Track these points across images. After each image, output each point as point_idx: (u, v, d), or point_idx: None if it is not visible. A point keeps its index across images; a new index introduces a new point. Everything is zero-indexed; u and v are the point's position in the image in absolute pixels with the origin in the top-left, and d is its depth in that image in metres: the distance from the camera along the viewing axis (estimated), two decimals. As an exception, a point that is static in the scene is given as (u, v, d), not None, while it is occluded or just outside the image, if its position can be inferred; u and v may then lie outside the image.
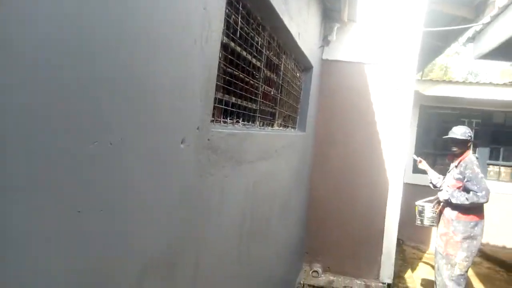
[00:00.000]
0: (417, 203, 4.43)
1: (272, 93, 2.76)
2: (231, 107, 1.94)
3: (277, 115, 2.96)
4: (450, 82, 6.59)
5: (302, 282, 4.17)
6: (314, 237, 4.52)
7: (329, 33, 4.20)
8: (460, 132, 4.05)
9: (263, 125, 2.60)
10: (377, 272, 4.35)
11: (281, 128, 3.12)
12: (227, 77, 1.84)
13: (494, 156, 7.10)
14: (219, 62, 1.64)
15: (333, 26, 4.15)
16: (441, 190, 4.23)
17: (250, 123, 2.31)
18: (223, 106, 1.83)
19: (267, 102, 2.66)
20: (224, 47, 1.76)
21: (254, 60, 2.24)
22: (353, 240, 4.42)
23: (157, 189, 1.19)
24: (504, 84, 6.36)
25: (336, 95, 4.50)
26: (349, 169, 4.47)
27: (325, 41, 4.32)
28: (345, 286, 4.14)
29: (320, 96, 4.47)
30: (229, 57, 1.84)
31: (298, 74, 3.64)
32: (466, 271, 4.03)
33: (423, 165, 4.55)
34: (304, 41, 3.14)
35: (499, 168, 7.09)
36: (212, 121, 1.65)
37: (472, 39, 4.92)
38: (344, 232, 4.46)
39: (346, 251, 4.43)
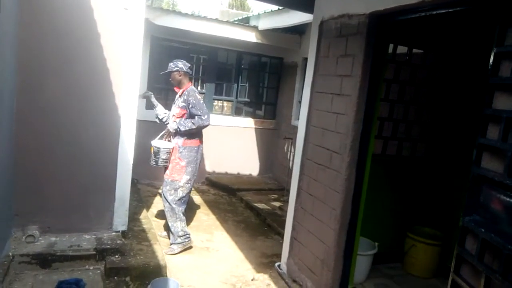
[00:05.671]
0: (153, 143, 4.18)
1: None
2: None
3: None
4: (180, 13, 6.40)
5: (11, 253, 3.19)
6: (28, 192, 3.51)
7: None
8: (171, 64, 4.31)
9: None
10: (110, 221, 3.84)
11: None
12: None
13: (218, 91, 7.65)
14: None
15: None
16: (167, 123, 4.42)
17: None
18: None
19: None
20: None
21: None
22: (80, 189, 3.68)
23: None
24: (227, 22, 6.70)
25: (47, 7, 3.40)
26: (71, 104, 3.58)
27: None
28: (71, 246, 3.43)
29: (23, 4, 3.27)
30: None
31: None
32: (189, 192, 4.28)
33: (153, 99, 4.56)
34: None
35: (223, 103, 7.74)
36: None
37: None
38: (68, 181, 3.64)
39: (72, 204, 3.67)
